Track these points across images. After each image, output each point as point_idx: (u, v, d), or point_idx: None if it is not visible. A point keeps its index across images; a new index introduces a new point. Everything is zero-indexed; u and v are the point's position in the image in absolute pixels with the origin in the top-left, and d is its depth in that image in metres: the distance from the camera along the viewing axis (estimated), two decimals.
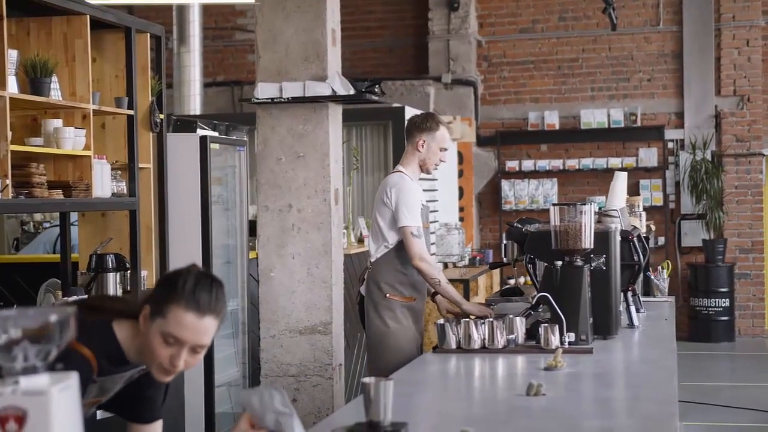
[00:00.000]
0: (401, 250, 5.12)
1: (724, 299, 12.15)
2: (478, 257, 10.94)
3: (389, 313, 5.13)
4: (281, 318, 5.73)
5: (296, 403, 5.41)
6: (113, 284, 5.35)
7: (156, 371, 2.60)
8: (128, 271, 5.51)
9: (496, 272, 11.05)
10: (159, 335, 2.53)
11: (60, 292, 5.37)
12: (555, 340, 4.16)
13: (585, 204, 4.39)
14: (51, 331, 1.75)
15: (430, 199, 10.02)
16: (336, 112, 6.06)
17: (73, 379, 1.78)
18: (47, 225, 8.84)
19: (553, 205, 4.44)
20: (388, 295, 5.15)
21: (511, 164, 12.85)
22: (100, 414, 4.53)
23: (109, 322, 2.66)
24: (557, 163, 12.72)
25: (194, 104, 10.54)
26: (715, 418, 8.31)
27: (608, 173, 12.45)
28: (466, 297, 8.91)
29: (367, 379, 2.70)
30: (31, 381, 1.73)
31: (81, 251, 5.69)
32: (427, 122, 5.28)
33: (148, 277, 5.78)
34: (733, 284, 12.27)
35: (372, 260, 5.24)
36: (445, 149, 5.31)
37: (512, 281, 12.18)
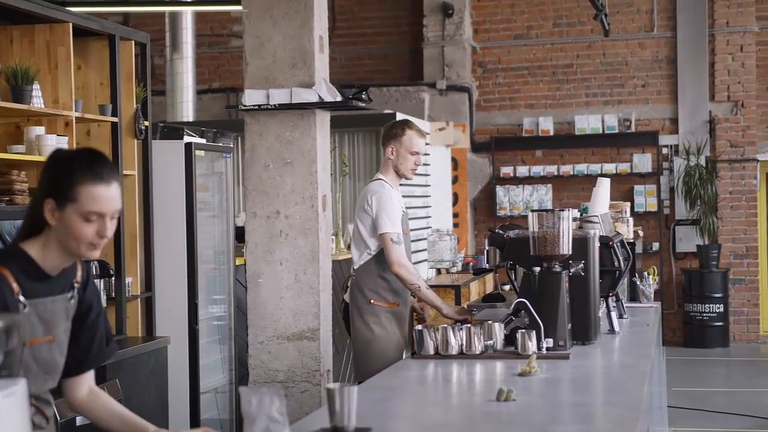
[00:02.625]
0: (383, 256, 5.16)
1: (718, 305, 12.15)
2: (471, 263, 10.94)
3: (374, 319, 5.19)
4: (269, 324, 5.74)
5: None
6: None
7: (85, 251, 2.66)
8: (113, 278, 5.53)
9: (490, 278, 11.05)
10: (79, 217, 2.62)
11: None
12: (532, 346, 4.17)
13: (563, 210, 4.40)
14: None
15: (422, 204, 10.06)
16: (323, 118, 6.07)
17: (20, 385, 1.79)
18: None
19: (532, 211, 4.45)
20: (372, 301, 5.22)
21: (506, 170, 12.87)
22: (80, 420, 4.56)
23: (16, 244, 2.72)
24: (552, 169, 12.73)
25: (187, 111, 10.57)
26: (708, 423, 8.31)
27: None
28: (457, 303, 8.91)
29: (330, 385, 2.73)
30: None
31: None
32: (393, 129, 5.38)
33: (133, 283, 5.79)
34: (728, 290, 12.28)
35: (355, 267, 5.32)
36: (416, 153, 5.35)
37: (507, 287, 12.18)
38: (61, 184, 2.63)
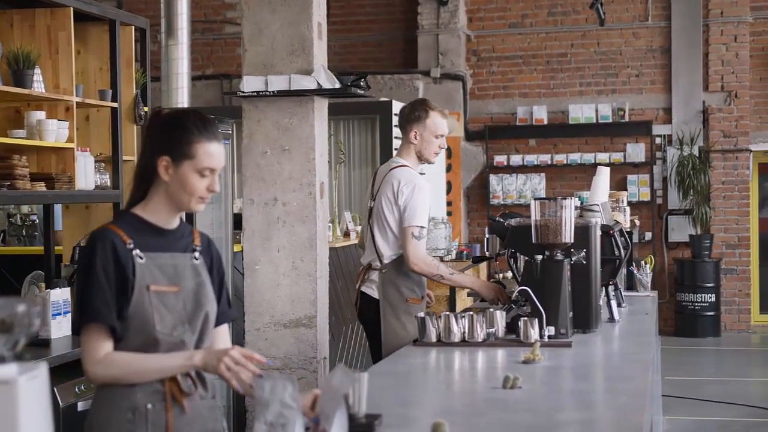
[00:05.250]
0: None
1: (710, 294, 12.20)
2: (465, 251, 10.95)
3: (409, 318, 4.95)
4: (266, 311, 5.75)
5: None
6: None
7: (194, 205, 2.85)
8: None
9: (483, 266, 11.07)
10: (194, 173, 2.81)
11: (43, 284, 5.37)
12: (534, 334, 4.18)
13: (566, 199, 4.41)
14: (19, 320, 1.77)
15: None
16: (321, 105, 6.07)
17: (41, 369, 1.79)
18: (35, 218, 8.84)
19: (534, 199, 4.45)
20: (408, 299, 5.03)
21: (500, 159, 12.88)
22: (81, 405, 4.56)
23: (124, 211, 2.92)
24: (545, 158, 12.75)
25: (182, 97, 10.46)
26: (700, 412, 8.35)
27: (596, 168, 12.43)
28: (452, 292, 8.91)
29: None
30: None
31: (65, 244, 5.70)
32: (415, 112, 5.11)
33: None
34: (720, 279, 12.33)
35: (385, 261, 5.06)
36: (441, 135, 5.09)
37: (499, 275, 12.20)
38: (179, 141, 2.81)
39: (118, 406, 2.79)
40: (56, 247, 5.73)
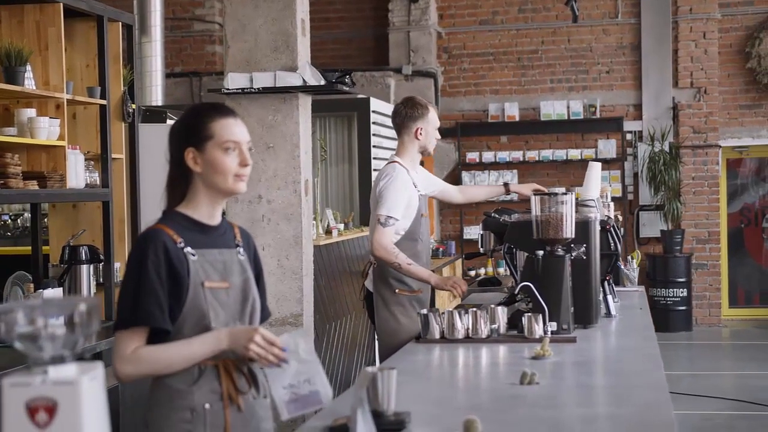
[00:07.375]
0: (405, 243, 5.05)
1: (681, 289, 12.29)
2: (440, 249, 10.97)
3: (399, 309, 5.05)
4: None
5: None
6: (86, 276, 5.28)
7: (233, 184, 2.82)
8: (101, 263, 5.45)
9: (459, 263, 11.09)
10: (219, 151, 2.81)
11: (31, 285, 5.29)
12: (539, 330, 4.17)
13: (566, 194, 4.40)
14: (80, 320, 1.73)
15: None
16: (306, 102, 6.05)
17: (99, 369, 1.76)
18: (6, 217, 8.72)
19: (535, 194, 4.44)
20: (397, 290, 5.09)
21: (472, 156, 12.89)
22: None
23: (167, 211, 2.90)
24: (517, 155, 12.78)
25: (156, 95, 10.40)
26: (678, 406, 8.39)
27: (567, 165, 12.56)
28: (432, 293, 8.88)
29: (371, 369, 2.70)
30: (59, 371, 1.71)
31: (52, 243, 5.62)
32: (417, 110, 5.23)
33: (121, 268, 5.70)
34: (691, 274, 12.42)
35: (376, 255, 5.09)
36: (438, 127, 5.33)
37: (472, 272, 12.23)
38: (195, 128, 2.83)
39: (176, 406, 2.76)
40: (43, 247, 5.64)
